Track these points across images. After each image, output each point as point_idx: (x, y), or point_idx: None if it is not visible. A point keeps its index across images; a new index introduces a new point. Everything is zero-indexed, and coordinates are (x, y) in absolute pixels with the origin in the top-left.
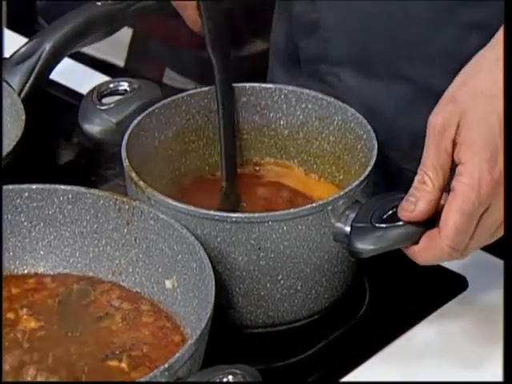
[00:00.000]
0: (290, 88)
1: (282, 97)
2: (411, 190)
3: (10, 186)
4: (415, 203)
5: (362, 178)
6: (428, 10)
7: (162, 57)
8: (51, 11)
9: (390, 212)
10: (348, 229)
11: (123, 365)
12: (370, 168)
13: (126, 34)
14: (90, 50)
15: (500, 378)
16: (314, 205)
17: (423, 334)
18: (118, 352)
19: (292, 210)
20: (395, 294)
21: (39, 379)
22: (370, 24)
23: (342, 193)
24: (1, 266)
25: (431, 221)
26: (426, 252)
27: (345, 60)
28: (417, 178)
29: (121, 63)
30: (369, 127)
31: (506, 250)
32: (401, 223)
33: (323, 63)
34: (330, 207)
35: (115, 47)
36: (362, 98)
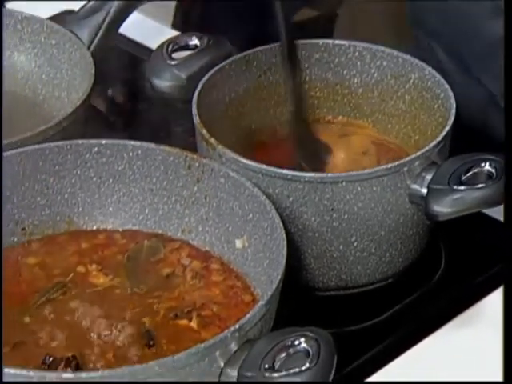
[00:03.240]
0: (364, 45)
1: (356, 54)
2: None
3: (80, 141)
4: None
5: (439, 139)
6: None
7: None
8: None
9: (469, 174)
10: (424, 191)
11: (192, 324)
12: (447, 128)
13: None
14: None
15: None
16: (389, 165)
17: (500, 301)
18: (187, 311)
19: (367, 171)
20: (472, 258)
21: (108, 335)
22: (469, 25)
23: (418, 153)
24: (0, 262)
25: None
26: None
27: (438, 41)
28: None
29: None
30: (446, 86)
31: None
32: (480, 185)
33: (418, 30)
34: (405, 168)
35: (161, 11)
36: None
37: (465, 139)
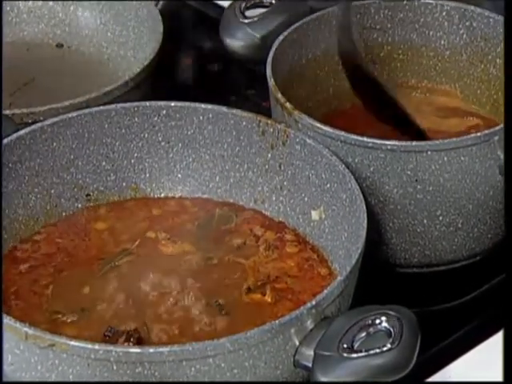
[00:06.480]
0: (453, 4)
1: (444, 14)
2: None
3: (147, 103)
4: None
5: None
6: None
7: None
8: None
9: None
10: None
11: (267, 297)
12: None
13: None
14: None
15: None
16: (479, 134)
17: None
18: (260, 283)
19: (454, 139)
20: None
21: (175, 307)
22: None
23: None
24: (0, 261)
25: None
26: None
27: None
28: None
29: None
30: None
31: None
32: None
33: None
34: (496, 137)
35: None
36: None
37: None
